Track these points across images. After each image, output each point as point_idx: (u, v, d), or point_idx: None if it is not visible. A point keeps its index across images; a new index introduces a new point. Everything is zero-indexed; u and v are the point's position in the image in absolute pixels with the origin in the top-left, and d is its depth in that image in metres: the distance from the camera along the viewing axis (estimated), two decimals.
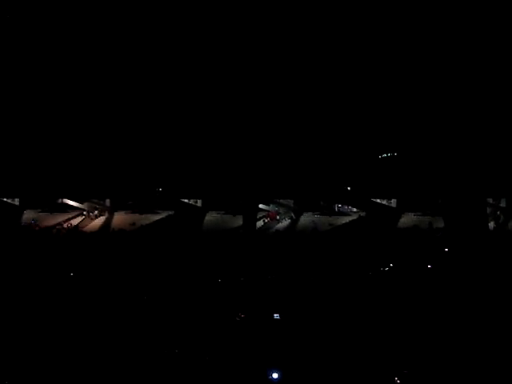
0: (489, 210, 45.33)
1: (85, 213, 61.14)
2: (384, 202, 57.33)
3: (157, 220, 59.35)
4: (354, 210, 58.28)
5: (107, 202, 61.28)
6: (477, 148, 28.18)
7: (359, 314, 29.07)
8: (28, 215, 60.27)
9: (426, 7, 31.82)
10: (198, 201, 59.88)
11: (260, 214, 55.58)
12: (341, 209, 58.77)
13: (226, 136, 38.25)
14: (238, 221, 51.02)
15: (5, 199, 60.59)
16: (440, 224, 44.72)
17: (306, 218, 53.84)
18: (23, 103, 52.15)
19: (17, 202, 61.15)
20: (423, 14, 32.83)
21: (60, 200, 60.76)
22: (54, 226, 59.21)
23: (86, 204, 61.37)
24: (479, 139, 28.59)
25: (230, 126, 35.21)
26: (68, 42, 46.95)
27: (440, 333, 26.70)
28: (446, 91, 28.05)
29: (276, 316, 33.69)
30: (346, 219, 57.24)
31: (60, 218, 60.44)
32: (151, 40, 43.99)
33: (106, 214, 60.96)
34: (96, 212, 61.26)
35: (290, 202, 54.91)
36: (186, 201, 59.94)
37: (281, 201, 56.25)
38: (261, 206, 53.59)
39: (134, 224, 58.64)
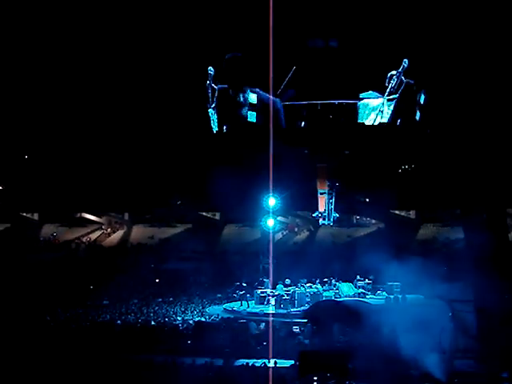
0: (509, 220, 45.14)
1: (103, 227, 61.41)
2: (403, 214, 57.16)
3: (175, 233, 59.53)
4: (373, 221, 58.13)
5: (126, 215, 61.54)
6: (496, 158, 28.01)
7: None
8: (47, 229, 60.63)
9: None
10: (216, 214, 60.04)
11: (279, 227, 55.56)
12: (359, 220, 58.62)
13: (243, 148, 38.21)
14: (257, 233, 50.87)
15: (24, 214, 61.03)
16: (459, 235, 44.50)
17: (324, 230, 53.70)
18: (42, 119, 52.45)
19: (36, 216, 61.58)
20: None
21: (79, 214, 61.06)
22: (73, 240, 59.49)
23: (104, 218, 61.63)
24: (498, 150, 28.43)
25: (246, 139, 35.14)
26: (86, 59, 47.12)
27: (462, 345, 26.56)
28: (463, 101, 27.94)
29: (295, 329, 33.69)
30: (365, 231, 57.08)
31: (79, 232, 60.75)
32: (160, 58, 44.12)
33: (125, 228, 61.18)
34: (114, 226, 61.50)
35: (308, 214, 54.83)
36: (204, 214, 60.11)
37: (299, 213, 56.18)
38: (279, 218, 53.56)
39: (152, 237, 58.83)
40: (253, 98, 32.99)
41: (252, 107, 32.92)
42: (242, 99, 32.75)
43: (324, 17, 34.99)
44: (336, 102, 33.93)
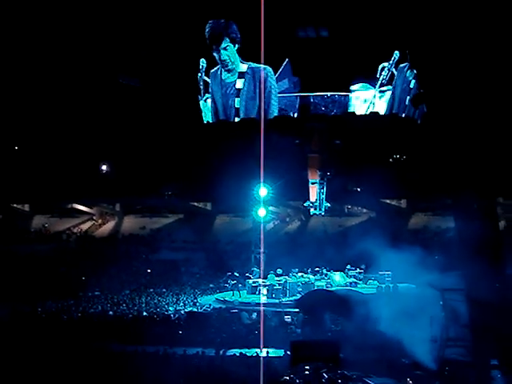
0: (499, 209, 45.23)
1: (95, 217, 61.27)
2: (394, 203, 57.24)
3: (166, 224, 59.48)
4: (364, 210, 58.18)
5: (117, 206, 61.41)
6: (486, 147, 28.03)
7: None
8: (38, 220, 60.48)
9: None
10: (208, 204, 59.99)
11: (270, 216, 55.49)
12: (350, 210, 58.68)
13: (233, 138, 38.24)
14: (248, 223, 50.88)
15: (15, 205, 60.84)
16: (450, 224, 44.59)
17: (315, 220, 53.73)
18: (33, 110, 52.25)
19: (27, 207, 61.42)
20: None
21: (70, 205, 60.93)
22: (64, 231, 59.36)
23: (95, 208, 61.50)
24: (489, 138, 28.45)
25: (237, 129, 35.19)
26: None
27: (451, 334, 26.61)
28: (454, 90, 27.95)
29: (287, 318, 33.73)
30: (356, 220, 57.15)
31: (70, 222, 60.62)
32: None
33: (116, 219, 61.07)
34: (105, 216, 61.38)
35: (300, 204, 54.79)
36: (195, 204, 60.05)
37: (290, 203, 56.14)
38: (271, 208, 53.57)
39: (143, 228, 58.75)
40: (243, 67, 33.41)
41: (241, 75, 33.32)
42: (218, 58, 33.09)
43: (315, 6, 34.94)
44: (328, 94, 34.05)
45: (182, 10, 39.07)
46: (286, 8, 34.54)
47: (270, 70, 33.32)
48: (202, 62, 33.62)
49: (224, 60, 33.14)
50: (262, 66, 33.17)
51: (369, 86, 34.19)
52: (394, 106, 34.37)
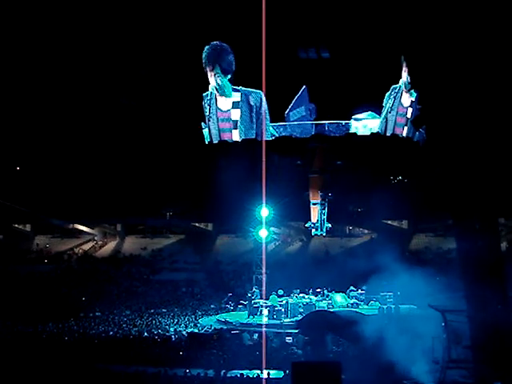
0: (501, 230, 45.23)
1: (96, 238, 61.27)
2: (395, 224, 57.25)
3: (168, 244, 59.46)
4: (366, 231, 58.18)
5: (118, 226, 61.44)
6: (488, 167, 28.04)
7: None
8: (39, 241, 60.48)
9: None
10: (209, 224, 60.01)
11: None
12: (352, 231, 58.68)
13: (236, 159, 38.30)
14: (249, 244, 50.89)
15: (17, 225, 60.88)
16: (452, 245, 44.56)
17: (317, 241, 53.70)
18: (35, 131, 52.36)
19: (28, 228, 61.46)
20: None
21: (71, 225, 60.95)
22: (65, 252, 59.32)
23: (97, 229, 61.52)
24: (490, 158, 28.48)
25: (238, 150, 35.24)
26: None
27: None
28: (453, 113, 28.04)
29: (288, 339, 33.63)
30: (358, 241, 57.13)
31: (71, 243, 60.61)
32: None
33: (117, 239, 61.06)
34: (107, 237, 61.38)
35: (301, 225, 54.80)
36: (196, 224, 60.07)
37: (292, 223, 56.14)
38: (272, 228, 53.57)
39: (145, 248, 58.71)
40: (235, 95, 33.51)
41: (235, 105, 33.45)
42: (216, 83, 33.27)
43: (324, 34, 35.12)
44: (343, 122, 34.18)
45: (191, 37, 39.36)
46: (295, 36, 34.70)
47: (262, 94, 33.47)
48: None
49: (219, 85, 33.39)
50: (254, 90, 33.33)
51: (375, 114, 34.34)
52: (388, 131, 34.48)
